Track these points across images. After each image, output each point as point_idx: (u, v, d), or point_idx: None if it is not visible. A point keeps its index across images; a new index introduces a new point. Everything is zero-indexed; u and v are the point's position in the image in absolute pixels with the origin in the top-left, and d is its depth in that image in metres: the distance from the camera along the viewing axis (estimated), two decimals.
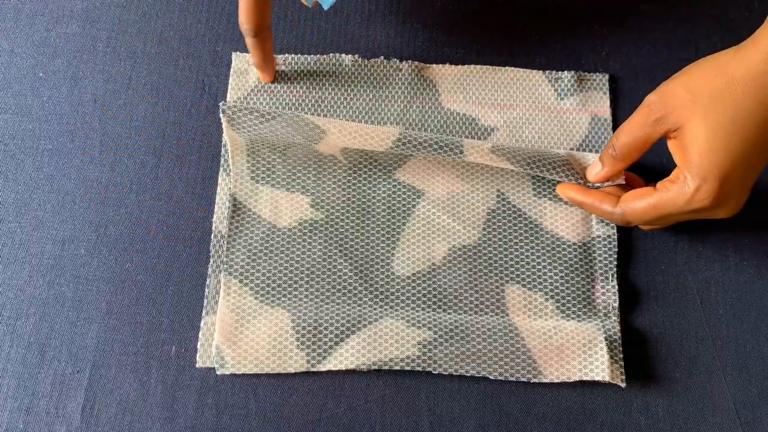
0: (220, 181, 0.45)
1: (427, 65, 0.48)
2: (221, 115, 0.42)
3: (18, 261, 0.43)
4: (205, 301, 0.42)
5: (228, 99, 0.47)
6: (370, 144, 0.42)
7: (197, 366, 0.41)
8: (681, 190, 0.37)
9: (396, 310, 0.42)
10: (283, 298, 0.42)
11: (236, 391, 0.41)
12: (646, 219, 0.39)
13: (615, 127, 0.47)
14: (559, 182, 0.44)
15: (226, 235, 0.43)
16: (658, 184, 0.39)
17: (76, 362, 0.41)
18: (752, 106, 0.35)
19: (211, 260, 0.43)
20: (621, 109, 0.48)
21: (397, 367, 0.40)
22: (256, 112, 0.42)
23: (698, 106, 0.36)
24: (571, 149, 0.46)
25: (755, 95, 0.35)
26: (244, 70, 0.47)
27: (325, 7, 0.42)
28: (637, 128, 0.39)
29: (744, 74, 0.36)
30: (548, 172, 0.42)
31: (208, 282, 0.42)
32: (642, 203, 0.39)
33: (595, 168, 0.42)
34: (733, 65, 0.36)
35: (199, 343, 0.41)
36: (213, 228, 0.44)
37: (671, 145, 0.38)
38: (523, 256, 0.44)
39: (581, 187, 0.42)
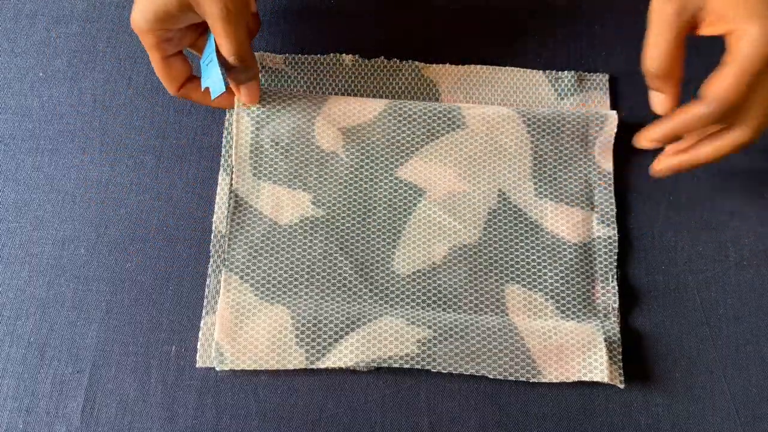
0: (220, 180, 0.45)
1: (427, 65, 0.48)
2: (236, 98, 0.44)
3: (18, 261, 0.43)
4: (205, 301, 0.42)
5: None
6: (364, 107, 0.44)
7: (197, 366, 0.41)
8: (752, 40, 0.34)
9: (396, 309, 0.42)
10: (283, 295, 0.42)
11: (236, 391, 0.41)
12: (740, 88, 0.35)
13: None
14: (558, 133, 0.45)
15: (226, 234, 0.43)
16: (725, 58, 0.36)
17: (76, 362, 0.41)
18: None
19: (211, 260, 0.43)
20: (621, 109, 0.48)
21: (396, 365, 0.40)
22: (268, 90, 0.45)
23: None
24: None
25: None
26: None
27: (212, 97, 0.42)
28: (661, 32, 0.37)
29: None
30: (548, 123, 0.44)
31: (208, 282, 0.42)
32: (728, 80, 0.35)
33: (654, 101, 0.39)
34: None
35: (199, 343, 0.41)
36: (213, 228, 0.44)
37: (706, 29, 0.37)
38: (523, 256, 0.44)
39: (661, 120, 0.39)
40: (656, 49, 0.37)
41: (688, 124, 0.38)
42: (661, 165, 0.41)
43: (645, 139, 0.40)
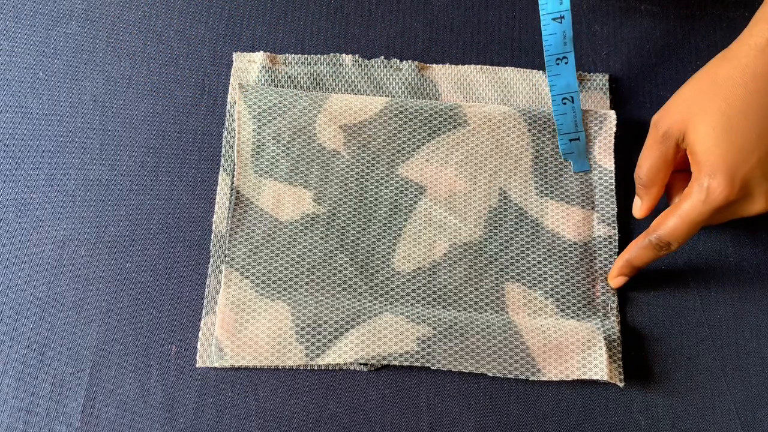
0: (220, 180, 0.45)
1: (427, 65, 0.48)
2: (239, 90, 0.45)
3: (18, 261, 0.43)
4: (205, 301, 0.42)
5: (228, 99, 0.47)
6: (365, 104, 0.45)
7: (197, 366, 0.41)
8: (697, 193, 0.37)
9: (396, 306, 0.42)
10: (283, 292, 0.42)
11: (236, 391, 0.41)
12: (683, 233, 0.38)
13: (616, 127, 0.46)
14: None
15: (226, 234, 0.43)
16: (676, 199, 0.40)
17: (76, 362, 0.41)
18: (746, 96, 0.36)
19: (211, 260, 0.43)
20: (621, 109, 0.48)
21: (396, 363, 0.40)
22: (270, 88, 0.46)
23: (695, 111, 0.37)
24: None
25: (746, 85, 0.36)
26: (245, 70, 0.47)
27: (576, 169, 0.45)
28: (650, 150, 0.40)
29: (731, 69, 0.37)
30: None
31: (208, 282, 0.42)
32: (670, 222, 0.38)
33: (636, 205, 0.43)
34: (720, 64, 0.38)
35: (199, 343, 0.41)
36: (213, 228, 0.44)
37: (688, 156, 0.39)
38: (523, 255, 0.44)
39: (617, 261, 0.42)
40: (645, 161, 0.41)
41: (642, 258, 0.41)
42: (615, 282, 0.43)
43: (613, 281, 0.43)
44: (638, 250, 0.40)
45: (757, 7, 0.41)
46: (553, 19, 0.41)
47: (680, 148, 0.39)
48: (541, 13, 0.41)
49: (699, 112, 0.37)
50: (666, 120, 0.39)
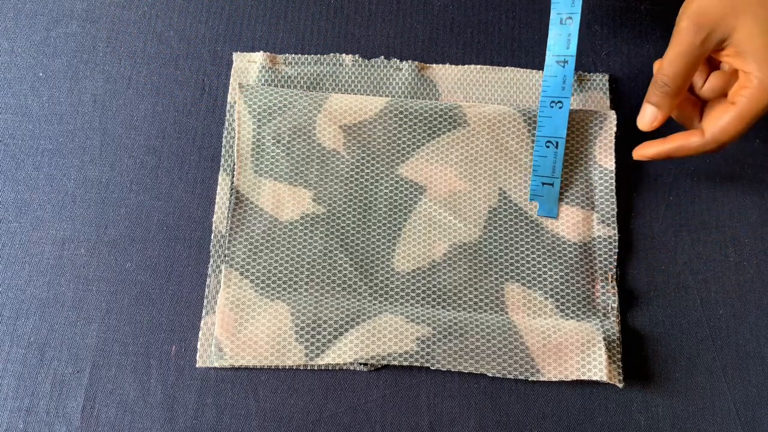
0: (220, 180, 0.45)
1: (427, 65, 0.48)
2: (239, 90, 0.45)
3: (18, 261, 0.43)
4: (205, 301, 0.42)
5: (228, 99, 0.47)
6: (365, 104, 0.45)
7: (197, 366, 0.41)
8: (759, 89, 0.37)
9: (395, 306, 0.42)
10: (282, 292, 0.42)
11: (236, 391, 0.41)
12: (738, 133, 0.38)
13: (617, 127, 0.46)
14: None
15: (226, 234, 0.43)
16: (731, 97, 0.39)
17: (76, 362, 0.41)
18: None
19: (211, 260, 0.43)
20: (621, 109, 0.48)
21: (396, 363, 0.40)
22: (270, 88, 0.46)
23: (742, 10, 0.37)
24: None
25: None
26: (245, 70, 0.47)
27: (540, 213, 0.45)
28: (683, 56, 0.38)
29: None
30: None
31: (208, 282, 0.43)
32: (728, 120, 0.38)
33: (647, 116, 0.41)
34: None
35: (199, 343, 0.41)
36: (213, 228, 0.44)
37: (724, 57, 0.38)
38: (523, 255, 0.44)
39: (659, 140, 0.41)
40: (674, 65, 0.39)
41: (685, 152, 0.40)
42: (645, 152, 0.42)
43: (639, 153, 0.43)
44: (688, 148, 0.40)
45: None
46: (557, 61, 0.41)
47: (718, 50, 0.38)
48: (547, 53, 0.42)
49: (751, 10, 0.36)
50: (708, 22, 0.37)
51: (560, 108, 0.42)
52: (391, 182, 0.45)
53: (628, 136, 0.46)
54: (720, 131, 0.39)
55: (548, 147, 0.43)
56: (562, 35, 0.42)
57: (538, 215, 0.44)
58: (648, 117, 0.41)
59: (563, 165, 0.45)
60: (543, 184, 0.44)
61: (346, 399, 0.41)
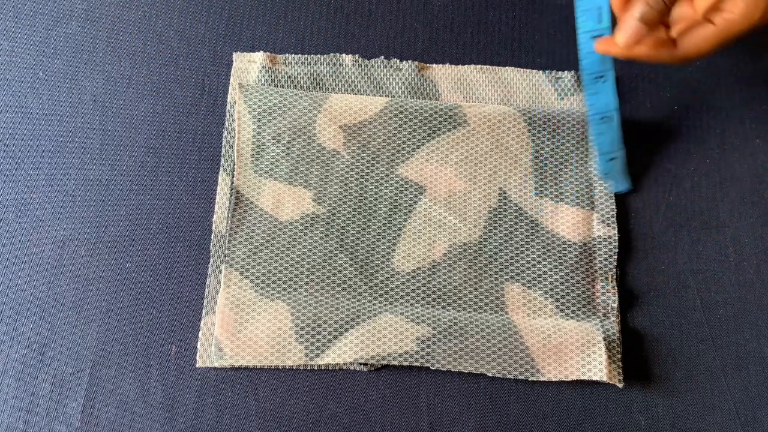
0: (220, 180, 0.45)
1: (427, 65, 0.48)
2: (239, 90, 0.45)
3: (18, 261, 0.43)
4: (205, 301, 0.42)
5: (228, 99, 0.47)
6: (365, 104, 0.45)
7: (197, 366, 0.41)
8: (742, 15, 0.36)
9: (395, 306, 0.42)
10: (282, 292, 0.42)
11: (236, 391, 0.41)
12: (711, 53, 0.37)
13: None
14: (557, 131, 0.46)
15: (226, 234, 0.43)
16: (709, 14, 0.37)
17: (76, 362, 0.41)
18: None
19: (211, 260, 0.43)
20: (621, 109, 0.48)
21: (396, 363, 0.40)
22: (270, 88, 0.46)
23: None
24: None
25: None
26: (245, 70, 0.47)
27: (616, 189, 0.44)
28: None
29: None
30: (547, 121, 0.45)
31: (208, 282, 0.42)
32: (704, 38, 0.37)
33: (632, 29, 0.37)
34: None
35: (199, 343, 0.41)
36: (213, 228, 0.44)
37: None
38: (523, 255, 0.44)
39: (628, 19, 0.38)
40: None
41: (650, 59, 0.38)
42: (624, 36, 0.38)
43: (605, 49, 0.39)
44: (657, 54, 0.38)
45: None
46: (592, 37, 0.41)
47: None
48: (578, 30, 0.41)
49: None
50: None
51: (604, 81, 0.42)
52: (391, 182, 0.45)
53: (627, 136, 0.46)
54: (695, 48, 0.37)
55: (603, 123, 0.43)
56: (592, 10, 0.40)
57: (614, 193, 0.44)
58: (634, 30, 0.37)
59: (564, 165, 0.45)
60: (609, 161, 0.44)
61: (346, 399, 0.41)
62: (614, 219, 0.44)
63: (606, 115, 0.43)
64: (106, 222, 0.44)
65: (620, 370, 0.41)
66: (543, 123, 0.46)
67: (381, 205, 0.44)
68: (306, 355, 0.40)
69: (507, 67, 0.48)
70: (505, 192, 0.45)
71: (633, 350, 0.42)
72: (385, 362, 0.40)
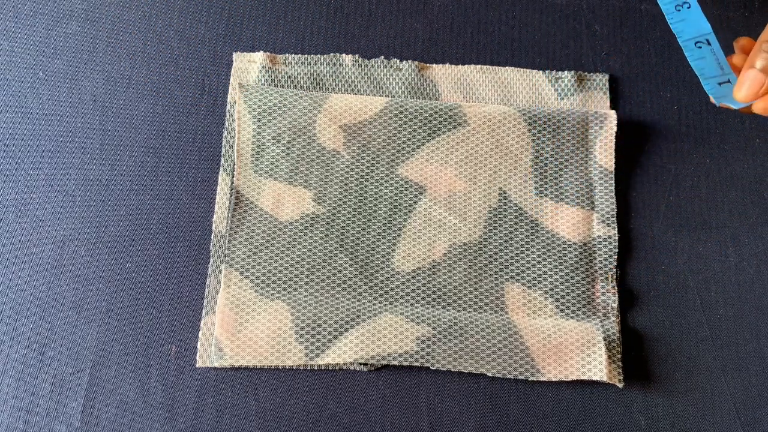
0: (220, 180, 0.45)
1: (427, 65, 0.48)
2: (239, 90, 0.45)
3: (18, 261, 0.43)
4: (205, 301, 0.42)
5: (228, 99, 0.47)
6: (365, 104, 0.45)
7: (197, 366, 0.41)
8: None
9: (395, 306, 0.42)
10: (283, 292, 0.42)
11: (236, 391, 0.41)
12: None
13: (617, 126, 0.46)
14: (559, 130, 0.45)
15: (226, 234, 0.43)
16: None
17: (76, 362, 0.41)
18: None
19: (211, 260, 0.43)
20: (621, 109, 0.48)
21: (396, 363, 0.40)
22: (270, 88, 0.46)
23: None
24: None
25: None
26: (245, 70, 0.47)
27: (735, 107, 0.40)
28: None
29: None
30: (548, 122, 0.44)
31: (208, 282, 0.42)
32: None
33: (753, 81, 0.36)
34: None
35: (199, 343, 0.41)
36: (213, 228, 0.44)
37: None
38: (523, 255, 0.44)
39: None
40: None
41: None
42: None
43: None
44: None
45: (757, 7, 0.41)
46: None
47: None
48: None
49: None
50: None
51: (688, 8, 0.39)
52: (391, 182, 0.45)
53: (628, 136, 0.46)
54: None
55: (700, 47, 0.39)
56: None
57: (737, 109, 0.40)
58: (756, 82, 0.36)
59: (564, 165, 0.45)
60: (720, 84, 0.40)
61: (346, 399, 0.41)
62: (614, 219, 0.44)
63: (700, 40, 0.39)
64: (106, 222, 0.44)
65: (620, 370, 0.41)
66: (543, 123, 0.46)
67: (381, 205, 0.44)
68: (306, 355, 0.40)
69: (507, 67, 0.48)
70: (505, 192, 0.45)
71: (633, 350, 0.42)
72: (385, 362, 0.40)
